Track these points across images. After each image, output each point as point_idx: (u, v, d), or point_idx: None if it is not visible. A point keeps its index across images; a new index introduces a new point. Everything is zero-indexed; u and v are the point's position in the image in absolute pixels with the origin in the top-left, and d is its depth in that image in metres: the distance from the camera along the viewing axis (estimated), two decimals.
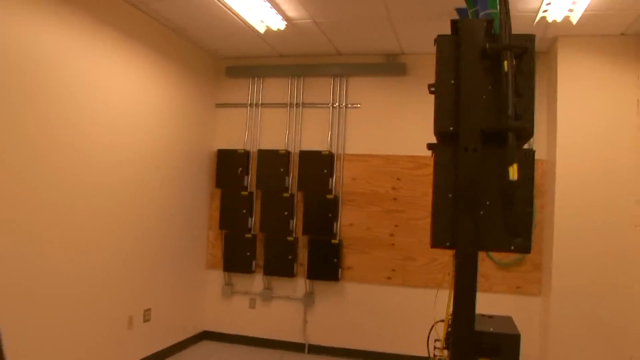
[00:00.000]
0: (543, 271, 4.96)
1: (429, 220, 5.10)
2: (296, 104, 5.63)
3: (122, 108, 4.28)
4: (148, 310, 4.72)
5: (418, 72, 5.36)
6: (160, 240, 4.87)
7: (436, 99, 1.96)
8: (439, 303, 5.11)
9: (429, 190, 5.11)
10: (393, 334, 5.28)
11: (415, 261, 5.30)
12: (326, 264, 5.34)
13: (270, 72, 5.69)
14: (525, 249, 1.92)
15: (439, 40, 1.97)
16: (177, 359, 5.05)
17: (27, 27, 3.33)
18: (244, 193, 5.57)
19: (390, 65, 5.39)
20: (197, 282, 5.61)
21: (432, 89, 2.10)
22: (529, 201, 1.89)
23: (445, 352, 2.75)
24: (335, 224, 5.40)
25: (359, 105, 5.50)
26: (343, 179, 5.47)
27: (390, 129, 5.42)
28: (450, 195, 1.96)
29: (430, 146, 2.02)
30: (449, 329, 2.66)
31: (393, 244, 5.35)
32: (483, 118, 1.93)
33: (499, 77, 1.89)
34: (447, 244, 1.95)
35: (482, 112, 1.93)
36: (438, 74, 1.95)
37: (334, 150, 5.48)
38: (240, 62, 5.77)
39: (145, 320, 4.69)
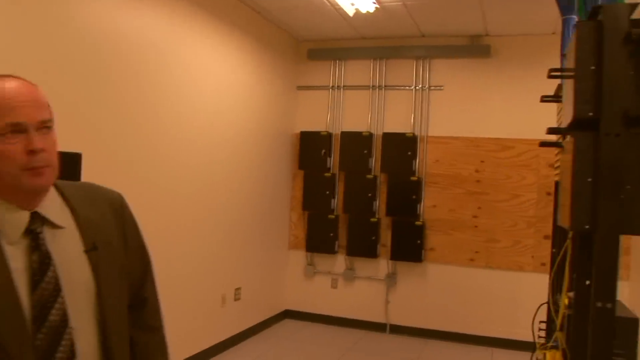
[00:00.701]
0: (632, 255, 4.89)
1: (512, 202, 5.17)
2: (379, 86, 5.70)
3: (214, 91, 4.45)
4: (238, 289, 4.96)
5: (502, 54, 5.33)
6: (248, 221, 5.07)
7: (575, 84, 1.99)
8: (527, 286, 5.17)
9: (513, 172, 5.17)
10: (475, 316, 5.35)
11: (499, 243, 5.32)
12: (409, 245, 5.44)
13: (352, 55, 5.77)
14: None
15: (579, 25, 2.00)
16: (262, 337, 5.28)
17: (132, 14, 3.52)
18: (327, 174, 5.71)
19: (475, 47, 5.38)
20: (280, 262, 5.83)
21: (554, 73, 2.13)
22: None
23: (558, 335, 2.80)
24: (418, 206, 5.48)
25: (442, 88, 5.52)
26: (426, 161, 5.53)
27: (474, 112, 5.42)
28: (589, 180, 2.00)
29: (564, 131, 2.06)
30: (565, 312, 2.71)
31: (476, 226, 5.39)
32: (626, 103, 1.95)
33: None
34: (587, 227, 2.00)
35: (625, 97, 1.96)
36: (577, 60, 1.98)
37: (417, 133, 5.53)
38: (321, 45, 5.88)
39: (236, 298, 4.92)
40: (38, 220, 1.17)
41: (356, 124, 5.73)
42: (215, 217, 4.53)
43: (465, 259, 5.41)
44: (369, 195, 5.58)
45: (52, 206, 1.22)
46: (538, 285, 5.20)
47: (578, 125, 2.12)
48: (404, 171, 5.49)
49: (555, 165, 3.74)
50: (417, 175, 5.49)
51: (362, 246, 5.61)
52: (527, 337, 5.17)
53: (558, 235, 3.44)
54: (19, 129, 1.11)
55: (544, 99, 3.33)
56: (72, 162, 2.09)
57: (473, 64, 5.41)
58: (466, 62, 5.44)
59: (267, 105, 5.35)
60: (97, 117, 3.23)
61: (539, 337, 3.30)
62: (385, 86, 5.69)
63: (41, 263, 1.14)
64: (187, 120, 4.11)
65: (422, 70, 5.57)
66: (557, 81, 5.03)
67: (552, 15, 4.12)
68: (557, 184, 3.92)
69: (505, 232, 5.30)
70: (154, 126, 3.76)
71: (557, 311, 2.98)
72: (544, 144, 3.45)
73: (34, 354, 1.10)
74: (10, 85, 1.14)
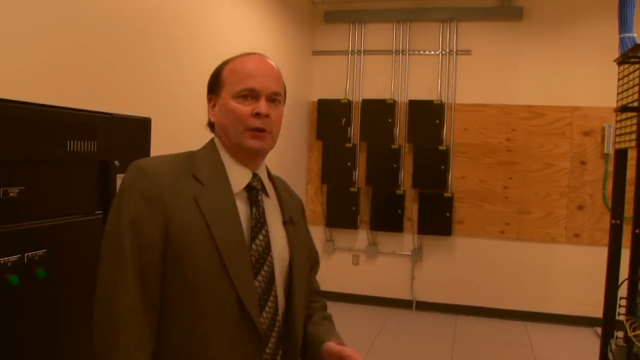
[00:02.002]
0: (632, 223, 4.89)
1: (545, 172, 5.08)
2: (402, 50, 5.47)
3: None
4: None
5: (536, 17, 5.17)
6: None
7: None
8: (559, 258, 5.12)
9: (545, 140, 5.06)
10: (506, 290, 5.29)
11: (530, 214, 5.25)
12: (438, 218, 5.31)
13: (372, 17, 5.52)
14: None
15: None
16: None
17: None
18: (348, 145, 5.49)
19: (506, 9, 5.20)
20: None
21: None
22: None
23: None
24: (447, 177, 5.34)
25: (470, 52, 5.34)
26: (454, 130, 5.37)
27: (504, 78, 5.27)
28: None
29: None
30: None
31: (507, 197, 5.30)
32: None
33: None
34: None
35: None
36: None
37: (444, 100, 5.35)
38: (339, 7, 5.60)
39: None
40: (257, 180, 1.37)
41: (378, 92, 5.51)
42: None
43: (495, 231, 5.32)
44: (394, 166, 5.41)
45: (264, 176, 1.42)
46: (571, 257, 5.20)
47: None
48: (431, 140, 5.33)
49: (622, 132, 3.63)
50: (445, 144, 5.33)
51: (386, 220, 5.45)
52: (560, 310, 5.20)
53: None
54: (253, 94, 1.32)
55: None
56: (142, 127, 1.90)
57: (503, 27, 5.24)
58: (496, 25, 5.26)
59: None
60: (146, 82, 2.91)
61: (619, 314, 3.21)
62: (409, 51, 5.46)
63: (259, 218, 1.32)
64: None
65: (449, 33, 5.36)
66: (592, 51, 4.91)
67: None
68: (621, 151, 3.81)
69: (537, 203, 5.22)
70: (186, 90, 3.44)
71: None
72: (622, 109, 3.31)
73: (255, 296, 1.26)
74: (254, 59, 1.38)
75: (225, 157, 1.35)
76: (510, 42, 5.23)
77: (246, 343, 1.24)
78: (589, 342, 4.70)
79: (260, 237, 1.31)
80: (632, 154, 3.77)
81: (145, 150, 1.90)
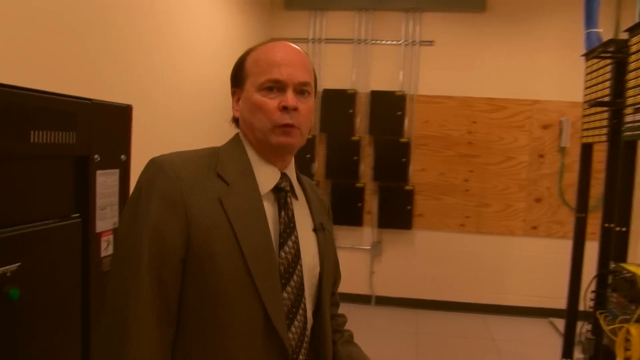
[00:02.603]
0: (600, 217, 5.06)
1: (504, 165, 5.15)
2: (364, 40, 5.39)
3: (183, 42, 3.77)
4: None
5: (498, 9, 5.21)
6: None
7: None
8: (517, 250, 5.21)
9: (505, 133, 5.13)
10: (465, 283, 5.35)
11: (490, 207, 5.32)
12: (398, 212, 5.29)
13: (333, 5, 5.41)
14: None
15: None
16: None
17: None
18: (308, 136, 5.36)
19: (469, 0, 5.20)
20: None
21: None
22: None
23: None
24: (408, 170, 5.32)
25: (432, 43, 5.32)
26: (415, 122, 5.35)
27: (467, 69, 5.29)
28: None
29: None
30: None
31: (467, 190, 5.34)
32: None
33: None
34: None
35: None
36: None
37: (405, 91, 5.32)
38: None
39: None
40: (286, 181, 1.27)
41: (339, 81, 5.42)
42: None
43: (455, 224, 5.36)
44: (354, 158, 5.34)
45: (293, 176, 1.32)
46: (528, 249, 5.30)
47: None
48: (392, 132, 5.29)
49: (588, 126, 3.69)
50: (406, 136, 5.30)
51: (345, 214, 5.39)
52: (518, 302, 5.30)
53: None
54: (278, 85, 1.20)
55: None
56: (123, 116, 1.75)
57: (466, 18, 5.25)
58: (459, 16, 5.26)
59: (236, 58, 4.80)
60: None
61: (590, 307, 3.26)
62: (371, 40, 5.39)
63: (288, 223, 1.22)
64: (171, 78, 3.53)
65: (412, 23, 5.32)
66: (552, 45, 4.99)
67: None
68: (587, 145, 3.87)
69: (497, 196, 5.29)
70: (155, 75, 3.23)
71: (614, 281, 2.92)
72: (596, 103, 3.35)
73: (283, 310, 1.16)
74: (280, 47, 1.24)
75: (252, 155, 1.25)
76: (472, 33, 5.25)
77: (273, 358, 1.15)
78: (545, 333, 4.82)
79: (290, 243, 1.21)
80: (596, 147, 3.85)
81: (126, 143, 1.72)
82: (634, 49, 2.97)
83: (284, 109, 1.19)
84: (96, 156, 1.57)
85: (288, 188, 1.27)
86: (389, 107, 5.28)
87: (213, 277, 1.11)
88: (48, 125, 1.39)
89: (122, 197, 1.71)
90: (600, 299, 3.20)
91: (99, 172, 1.59)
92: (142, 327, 1.06)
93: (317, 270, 1.29)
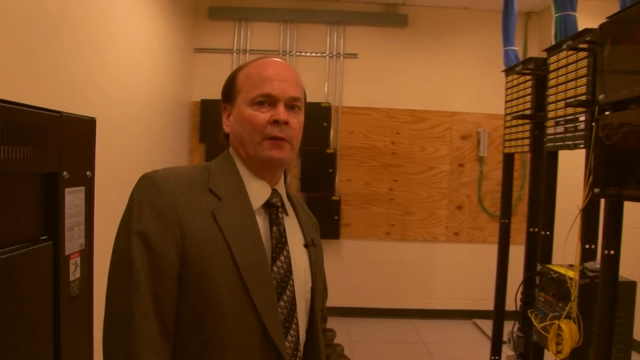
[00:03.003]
0: (526, 222, 5.42)
1: (426, 174, 5.38)
2: (289, 52, 5.44)
3: (106, 47, 3.62)
4: None
5: (420, 25, 5.44)
6: None
7: None
8: (441, 256, 5.44)
9: (427, 144, 5.36)
10: (393, 289, 5.50)
11: (414, 215, 5.52)
12: (326, 222, 5.34)
13: (258, 16, 5.41)
14: None
15: None
16: None
17: None
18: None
19: (391, 16, 5.40)
20: None
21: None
22: None
23: (573, 305, 2.97)
24: (334, 180, 5.41)
25: (356, 56, 5.46)
26: (340, 133, 5.46)
27: (389, 82, 5.48)
28: None
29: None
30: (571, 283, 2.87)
31: (392, 199, 5.51)
32: None
33: None
34: None
35: None
36: None
37: (331, 102, 5.42)
38: (224, 3, 5.41)
39: None
40: (277, 196, 1.28)
41: None
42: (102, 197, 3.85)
43: (381, 233, 5.50)
44: None
45: (283, 192, 1.33)
46: (451, 254, 5.55)
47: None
48: (318, 143, 5.36)
49: (510, 137, 3.93)
50: (332, 147, 5.39)
51: None
52: (443, 305, 5.52)
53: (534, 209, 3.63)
54: (270, 100, 1.23)
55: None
56: (89, 130, 1.69)
57: (389, 33, 5.44)
58: (382, 31, 5.44)
59: (160, 68, 4.69)
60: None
61: (520, 307, 3.47)
62: (295, 52, 5.44)
63: (280, 238, 1.23)
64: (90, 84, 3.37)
65: (336, 36, 5.44)
66: (468, 59, 5.28)
67: None
68: (509, 156, 4.12)
69: (420, 204, 5.50)
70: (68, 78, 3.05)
71: (552, 282, 3.15)
72: (521, 116, 3.59)
73: (280, 322, 1.17)
74: (271, 63, 1.28)
75: (243, 170, 1.27)
76: (395, 47, 5.44)
77: None
78: (471, 334, 5.05)
79: (282, 258, 1.23)
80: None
81: (91, 159, 1.64)
82: (552, 67, 3.22)
83: (275, 122, 1.22)
84: (65, 173, 1.48)
85: (279, 204, 1.29)
86: (314, 118, 5.35)
87: (209, 291, 1.11)
88: (16, 139, 1.29)
89: (88, 217, 1.63)
90: (528, 299, 3.42)
91: (67, 190, 1.50)
92: (150, 342, 1.06)
93: (309, 285, 1.31)
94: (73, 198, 1.54)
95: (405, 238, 5.51)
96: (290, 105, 1.27)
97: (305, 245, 1.35)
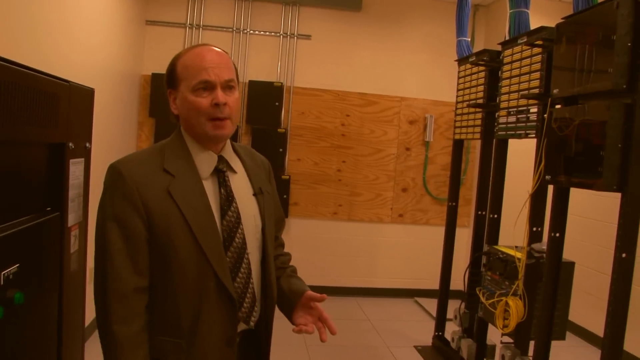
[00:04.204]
0: (472, 205, 5.72)
1: (374, 156, 5.56)
2: (242, 29, 5.41)
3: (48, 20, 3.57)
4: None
5: (374, 10, 5.56)
6: (95, 180, 4.24)
7: (614, 58, 2.27)
8: (386, 236, 5.64)
9: (376, 127, 5.53)
10: (339, 268, 5.66)
11: (361, 196, 5.67)
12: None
13: None
14: None
15: (622, 3, 2.26)
16: None
17: None
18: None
19: None
20: None
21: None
22: None
23: (520, 284, 3.19)
24: (285, 159, 5.47)
25: (310, 37, 5.51)
26: (291, 113, 5.51)
27: (341, 65, 5.57)
28: (619, 146, 2.33)
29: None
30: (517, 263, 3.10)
31: (340, 180, 5.64)
32: None
33: None
34: (614, 187, 2.33)
35: None
36: (618, 36, 2.26)
37: (283, 82, 5.45)
38: None
39: None
40: (223, 162, 1.55)
41: None
42: None
43: (328, 212, 5.63)
44: None
45: (230, 154, 1.60)
46: (395, 235, 5.76)
47: (609, 96, 2.42)
48: (270, 122, 5.40)
49: (458, 124, 4.13)
50: (283, 127, 5.45)
51: None
52: (387, 284, 5.74)
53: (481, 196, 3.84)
54: (208, 85, 1.46)
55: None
56: (89, 100, 1.72)
57: (343, 15, 5.51)
58: (336, 14, 5.51)
59: (110, 39, 4.54)
60: None
61: (468, 286, 3.68)
62: (249, 30, 5.42)
63: (227, 197, 1.52)
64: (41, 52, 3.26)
65: (290, 16, 5.46)
66: (418, 47, 5.50)
67: None
68: (459, 142, 4.33)
69: (367, 186, 5.66)
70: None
71: (500, 261, 3.38)
72: (475, 105, 3.78)
73: (227, 267, 1.47)
74: (205, 52, 1.49)
75: (192, 145, 1.53)
76: (348, 31, 5.53)
77: (223, 307, 1.47)
78: (413, 311, 5.30)
79: (230, 212, 1.51)
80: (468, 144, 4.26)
81: (89, 130, 1.64)
82: (507, 60, 3.41)
83: (216, 105, 1.45)
84: (70, 144, 1.49)
85: (225, 168, 1.55)
86: (266, 97, 5.38)
87: (171, 250, 1.42)
88: (29, 108, 1.29)
89: (86, 189, 1.63)
90: (476, 277, 3.64)
91: (72, 161, 1.51)
92: (120, 294, 1.37)
93: (260, 227, 1.61)
94: (75, 169, 1.55)
95: (352, 218, 5.67)
96: (227, 86, 1.48)
97: (254, 194, 1.62)
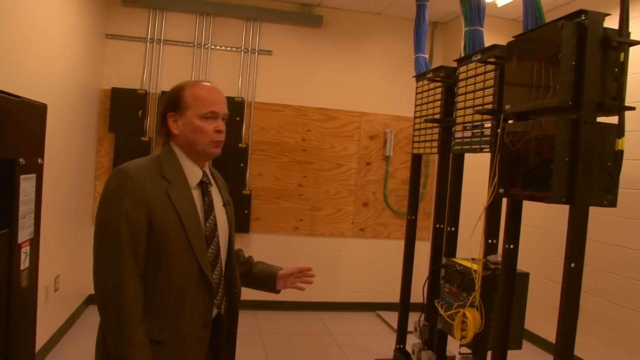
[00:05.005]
0: (432, 219, 5.81)
1: (335, 171, 5.62)
2: (204, 44, 5.41)
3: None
4: (57, 277, 4.25)
5: (334, 26, 5.63)
6: (50, 194, 4.14)
7: (560, 76, 2.36)
8: (347, 251, 5.67)
9: (337, 142, 5.60)
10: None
11: (322, 211, 5.70)
12: (236, 216, 5.35)
13: (174, 6, 5.35)
14: (613, 203, 2.48)
15: (566, 25, 2.36)
16: (77, 330, 4.60)
17: None
18: (144, 139, 5.22)
19: (306, 16, 5.54)
20: (84, 243, 5.01)
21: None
22: (619, 168, 2.45)
23: (477, 295, 3.25)
24: (246, 174, 5.46)
25: (271, 53, 5.54)
26: (252, 128, 5.52)
27: (302, 80, 5.62)
28: (567, 160, 2.42)
29: (538, 116, 2.42)
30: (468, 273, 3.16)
31: (301, 194, 5.66)
32: (599, 97, 2.41)
33: (612, 64, 2.38)
34: (563, 200, 2.42)
35: (599, 92, 2.41)
36: (563, 55, 2.36)
37: (244, 97, 5.46)
38: None
39: (55, 289, 4.22)
40: (206, 176, 1.90)
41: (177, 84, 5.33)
42: None
43: (290, 227, 5.64)
44: None
45: (208, 172, 1.96)
46: (357, 249, 5.80)
47: (556, 113, 2.51)
48: (232, 138, 5.37)
49: (417, 139, 4.21)
50: (244, 142, 5.45)
51: None
52: (348, 298, 5.77)
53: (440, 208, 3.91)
54: (214, 115, 1.83)
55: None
56: (40, 116, 1.71)
57: (304, 32, 5.57)
58: (297, 30, 5.57)
59: (68, 52, 4.45)
60: None
61: (429, 299, 3.73)
62: (210, 45, 5.43)
63: (209, 205, 1.85)
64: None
65: (252, 32, 5.49)
66: (377, 63, 5.59)
67: None
68: (417, 156, 4.40)
69: (328, 200, 5.70)
70: None
71: (459, 275, 3.44)
72: (432, 120, 3.86)
73: (208, 261, 1.80)
74: (212, 88, 1.88)
75: (183, 160, 1.85)
76: (309, 47, 5.59)
77: (203, 294, 1.79)
78: (375, 324, 5.33)
79: (210, 219, 1.85)
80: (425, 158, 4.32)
81: (41, 145, 1.62)
82: (462, 76, 3.51)
83: (218, 131, 1.84)
84: (21, 160, 1.47)
85: (207, 181, 1.89)
86: (229, 112, 5.35)
87: (165, 244, 1.70)
88: None
89: (37, 205, 1.61)
90: (434, 290, 3.69)
91: (22, 177, 1.49)
92: (130, 278, 1.64)
93: (228, 233, 1.96)
94: (26, 185, 1.52)
95: (313, 233, 5.69)
96: (224, 118, 1.89)
97: (224, 205, 1.97)
